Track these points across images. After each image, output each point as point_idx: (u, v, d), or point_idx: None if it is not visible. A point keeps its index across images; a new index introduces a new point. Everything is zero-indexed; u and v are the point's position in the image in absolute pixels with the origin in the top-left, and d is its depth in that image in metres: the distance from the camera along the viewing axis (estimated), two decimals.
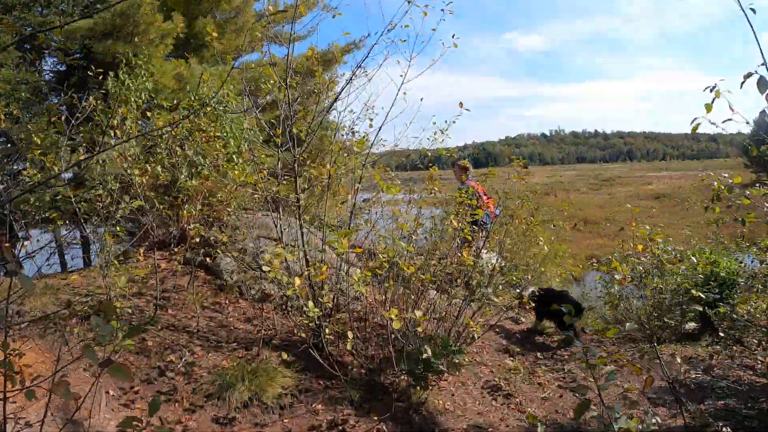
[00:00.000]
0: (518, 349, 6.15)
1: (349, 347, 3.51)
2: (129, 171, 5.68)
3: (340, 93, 4.66)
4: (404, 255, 4.20)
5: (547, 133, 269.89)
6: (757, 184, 4.58)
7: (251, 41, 12.19)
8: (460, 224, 4.63)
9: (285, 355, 4.33)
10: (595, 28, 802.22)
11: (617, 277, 3.78)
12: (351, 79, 4.52)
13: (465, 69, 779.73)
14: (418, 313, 3.29)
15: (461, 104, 4.09)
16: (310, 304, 3.22)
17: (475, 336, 4.31)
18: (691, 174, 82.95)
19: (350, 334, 3.49)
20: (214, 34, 5.25)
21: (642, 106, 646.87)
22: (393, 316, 3.03)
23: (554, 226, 5.20)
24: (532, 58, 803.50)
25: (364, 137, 4.86)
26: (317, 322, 3.92)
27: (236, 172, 5.23)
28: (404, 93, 4.31)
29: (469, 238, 4.80)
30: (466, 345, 4.13)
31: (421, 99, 4.35)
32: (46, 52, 13.02)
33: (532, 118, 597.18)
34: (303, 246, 4.28)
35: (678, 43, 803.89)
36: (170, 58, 11.31)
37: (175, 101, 7.44)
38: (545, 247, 4.89)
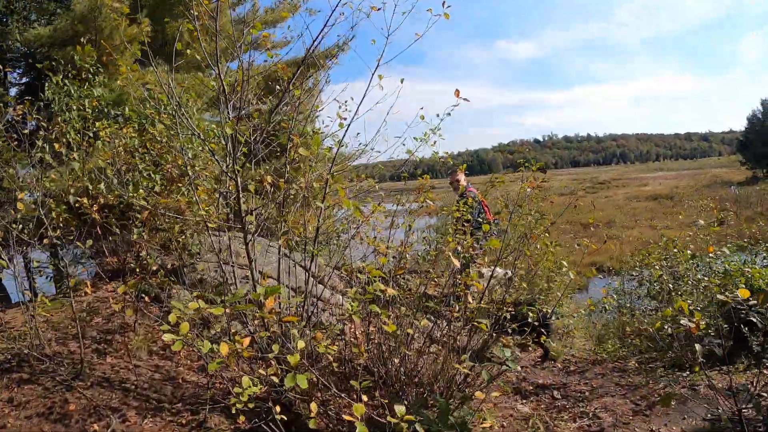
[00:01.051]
0: (530, 388, 5.18)
1: (312, 424, 2.49)
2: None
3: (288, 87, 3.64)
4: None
5: (541, 139, 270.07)
6: None
7: (227, 48, 11.24)
8: (458, 246, 3.70)
9: (241, 419, 3.35)
10: (588, 34, 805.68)
11: (685, 322, 2.76)
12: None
13: (458, 79, 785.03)
14: (401, 409, 2.26)
15: (458, 92, 3.08)
16: (245, 379, 2.22)
17: (488, 420, 3.29)
18: (686, 173, 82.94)
19: (314, 406, 2.48)
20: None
21: (635, 109, 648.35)
22: (358, 417, 2.04)
23: (579, 245, 4.21)
24: (525, 65, 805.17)
25: (317, 135, 3.88)
26: (276, 384, 2.92)
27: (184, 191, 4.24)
28: (380, 77, 3.32)
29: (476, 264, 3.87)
30: (471, 412, 3.11)
31: (402, 80, 3.34)
32: (9, 63, 12.12)
33: (526, 125, 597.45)
34: (254, 282, 3.32)
35: (669, 46, 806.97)
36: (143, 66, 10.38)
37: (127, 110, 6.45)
38: (571, 274, 3.90)
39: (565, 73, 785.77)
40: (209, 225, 3.64)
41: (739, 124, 61.34)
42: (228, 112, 3.53)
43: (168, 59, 10.61)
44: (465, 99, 3.16)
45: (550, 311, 4.74)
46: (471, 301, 3.92)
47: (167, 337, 1.98)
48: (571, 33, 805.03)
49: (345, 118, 3.84)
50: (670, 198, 46.30)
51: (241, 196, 3.39)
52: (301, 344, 2.28)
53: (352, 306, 2.78)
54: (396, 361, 3.46)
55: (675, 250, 6.34)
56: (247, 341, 2.13)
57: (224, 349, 2.06)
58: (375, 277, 2.95)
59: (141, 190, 4.69)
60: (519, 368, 4.00)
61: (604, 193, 57.83)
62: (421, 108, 3.56)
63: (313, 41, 3.19)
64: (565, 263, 3.43)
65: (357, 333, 3.96)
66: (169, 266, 5.38)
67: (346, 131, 3.53)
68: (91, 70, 6.30)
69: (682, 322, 2.77)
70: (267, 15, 13.35)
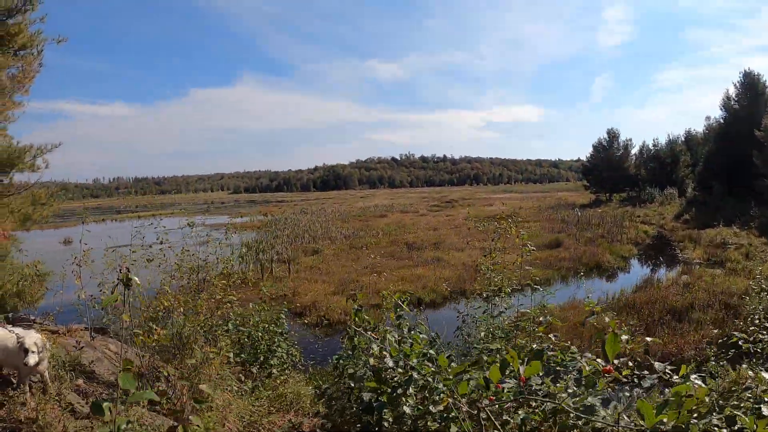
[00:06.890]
0: None
1: None
2: None
3: None
4: None
5: (398, 157, 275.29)
6: None
7: None
8: None
9: None
10: (450, 62, 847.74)
11: None
12: None
13: (323, 93, 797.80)
14: None
15: None
16: None
17: None
18: (534, 195, 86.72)
19: None
20: None
21: (487, 134, 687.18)
22: None
23: None
24: (389, 86, 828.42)
25: None
26: None
27: None
28: None
29: None
30: None
31: None
32: None
33: (385, 143, 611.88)
34: None
35: (524, 80, 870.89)
36: None
37: None
38: None
39: (426, 96, 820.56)
40: None
41: (586, 155, 66.55)
42: None
43: None
44: None
45: None
46: None
47: None
48: (435, 59, 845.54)
49: None
50: (510, 218, 46.36)
51: None
52: None
53: None
54: None
55: None
56: None
57: None
58: None
59: None
60: None
61: (448, 211, 57.77)
62: None
63: None
64: None
65: None
66: None
67: None
68: None
69: None
70: None
